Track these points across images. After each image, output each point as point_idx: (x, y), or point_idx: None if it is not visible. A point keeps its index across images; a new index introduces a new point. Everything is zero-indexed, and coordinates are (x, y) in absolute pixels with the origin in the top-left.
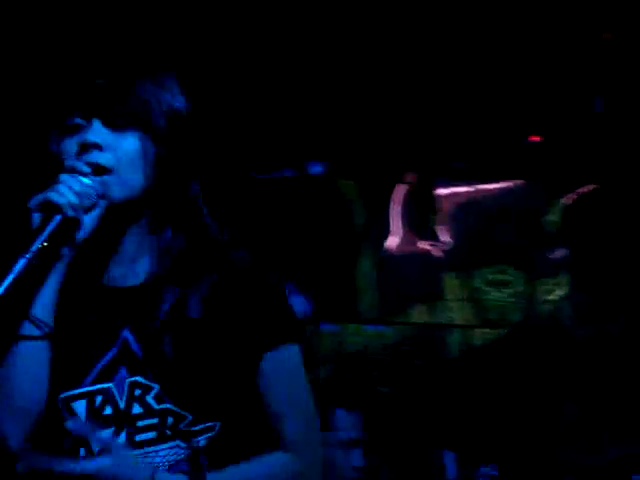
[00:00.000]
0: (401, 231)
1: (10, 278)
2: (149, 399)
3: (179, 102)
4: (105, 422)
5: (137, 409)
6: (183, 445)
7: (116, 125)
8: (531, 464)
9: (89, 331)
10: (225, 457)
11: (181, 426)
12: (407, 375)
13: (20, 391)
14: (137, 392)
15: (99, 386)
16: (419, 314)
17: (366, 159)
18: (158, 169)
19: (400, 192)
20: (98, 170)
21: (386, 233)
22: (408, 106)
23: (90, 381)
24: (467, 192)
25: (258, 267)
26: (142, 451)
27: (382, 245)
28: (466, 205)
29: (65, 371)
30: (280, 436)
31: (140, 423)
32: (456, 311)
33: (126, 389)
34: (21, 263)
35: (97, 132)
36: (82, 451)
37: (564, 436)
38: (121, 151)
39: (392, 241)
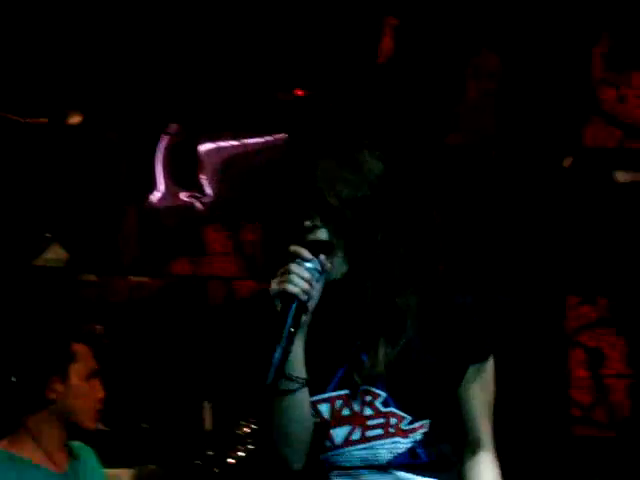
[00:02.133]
0: (165, 184)
1: (274, 368)
2: (377, 404)
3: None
4: (343, 421)
5: (368, 411)
6: (402, 440)
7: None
8: None
9: (330, 347)
10: (434, 447)
11: (402, 425)
12: (171, 326)
13: (295, 427)
14: (368, 398)
15: (338, 392)
16: (183, 266)
17: (128, 110)
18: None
19: (164, 144)
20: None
21: (150, 186)
22: (174, 61)
23: (332, 388)
24: (232, 146)
25: (460, 288)
26: (370, 444)
27: (146, 198)
28: (231, 159)
29: (312, 381)
30: (476, 437)
31: (370, 422)
32: (221, 263)
33: (359, 395)
34: (279, 352)
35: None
36: (327, 442)
37: None
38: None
39: (156, 193)
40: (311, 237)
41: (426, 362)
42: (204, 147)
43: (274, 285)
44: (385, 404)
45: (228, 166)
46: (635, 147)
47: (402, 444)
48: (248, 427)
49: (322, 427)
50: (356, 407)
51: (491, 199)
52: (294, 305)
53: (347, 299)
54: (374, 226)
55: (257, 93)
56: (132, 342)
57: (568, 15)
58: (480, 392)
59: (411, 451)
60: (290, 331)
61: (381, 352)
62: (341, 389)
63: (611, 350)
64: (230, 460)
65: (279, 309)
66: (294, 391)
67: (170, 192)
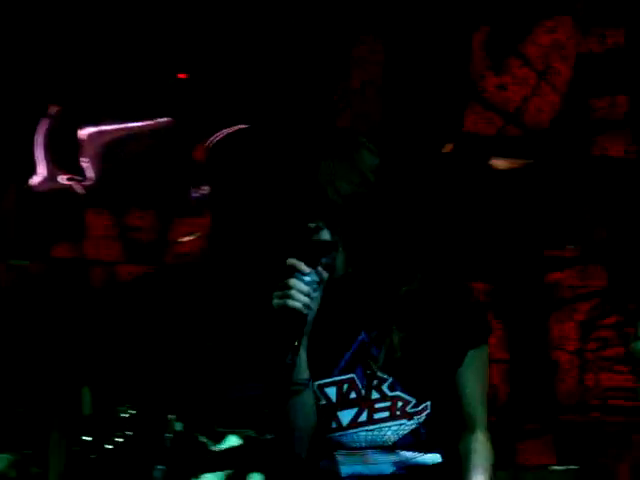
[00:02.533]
0: (45, 167)
1: (283, 379)
2: (384, 387)
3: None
4: (350, 404)
5: (375, 395)
6: (408, 422)
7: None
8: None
9: (336, 334)
10: (435, 429)
11: (407, 408)
12: (51, 309)
13: (299, 422)
14: (374, 382)
15: (345, 376)
16: (63, 250)
17: (7, 91)
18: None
19: (44, 126)
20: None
21: (30, 169)
22: (54, 41)
23: (338, 372)
24: (114, 129)
25: (457, 277)
26: (377, 426)
27: (26, 181)
28: (113, 142)
29: (319, 365)
30: (472, 417)
31: (377, 405)
32: (102, 248)
33: (365, 379)
34: (286, 364)
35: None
36: (333, 424)
37: (211, 371)
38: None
39: (37, 176)
40: (315, 238)
41: (429, 346)
42: (86, 130)
43: (276, 300)
44: (391, 388)
45: (110, 150)
46: (514, 134)
47: (407, 426)
48: (126, 413)
49: (329, 409)
50: (363, 390)
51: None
52: (296, 318)
53: (352, 289)
54: (374, 221)
55: (141, 76)
56: (11, 326)
57: (449, 2)
58: (477, 376)
59: (414, 431)
60: (294, 345)
61: (396, 339)
62: (347, 373)
63: None
64: (108, 446)
65: (281, 323)
66: (299, 392)
67: (50, 175)
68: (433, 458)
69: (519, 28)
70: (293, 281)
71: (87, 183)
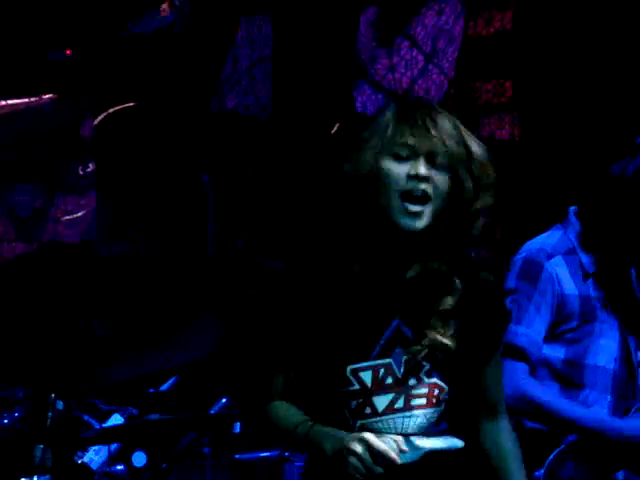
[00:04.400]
0: None
1: None
2: (421, 374)
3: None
4: (387, 389)
5: (412, 381)
6: (438, 410)
7: (436, 164)
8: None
9: (370, 318)
10: (456, 416)
11: (442, 396)
12: None
13: None
14: (412, 368)
15: (381, 361)
16: None
17: None
18: (450, 201)
19: None
20: (425, 198)
21: None
22: None
23: (374, 356)
24: None
25: (496, 279)
26: (413, 413)
27: None
28: None
29: (353, 347)
30: (498, 404)
31: (414, 392)
32: None
33: (403, 364)
34: None
35: (422, 166)
36: (367, 409)
37: (101, 351)
38: (437, 187)
39: None
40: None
41: (465, 337)
42: None
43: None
44: (428, 375)
45: None
46: None
47: (437, 413)
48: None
49: (363, 394)
50: (400, 376)
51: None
52: None
53: (385, 275)
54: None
55: (24, 52)
56: None
57: None
58: (498, 368)
59: (439, 419)
60: None
61: (450, 329)
62: (383, 358)
63: None
64: None
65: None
66: None
67: None
68: (456, 443)
69: (406, 9)
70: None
71: None
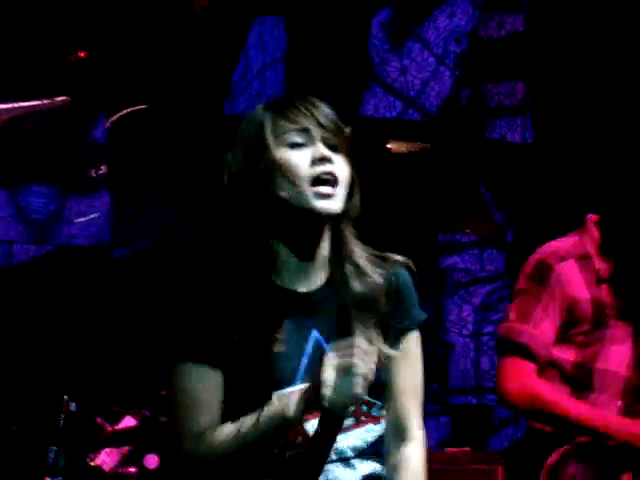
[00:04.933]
0: None
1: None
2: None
3: None
4: (313, 414)
5: None
6: (375, 428)
7: (333, 147)
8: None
9: (291, 341)
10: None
11: (372, 412)
12: None
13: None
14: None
15: (305, 384)
16: None
17: None
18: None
19: None
20: (335, 180)
21: None
22: None
23: (300, 380)
24: (11, 108)
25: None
26: (342, 435)
27: None
28: (9, 121)
29: (281, 376)
30: (401, 414)
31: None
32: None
33: None
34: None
35: (324, 149)
36: (299, 438)
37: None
38: (341, 168)
39: None
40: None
41: (380, 335)
42: None
43: (335, 400)
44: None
45: (6, 128)
46: (413, 118)
47: (375, 431)
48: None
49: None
50: None
51: None
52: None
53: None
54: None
55: (37, 54)
56: None
57: None
58: (409, 366)
59: (380, 438)
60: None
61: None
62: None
63: None
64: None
65: (328, 421)
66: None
67: None
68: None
69: (418, 12)
70: (359, 388)
71: None
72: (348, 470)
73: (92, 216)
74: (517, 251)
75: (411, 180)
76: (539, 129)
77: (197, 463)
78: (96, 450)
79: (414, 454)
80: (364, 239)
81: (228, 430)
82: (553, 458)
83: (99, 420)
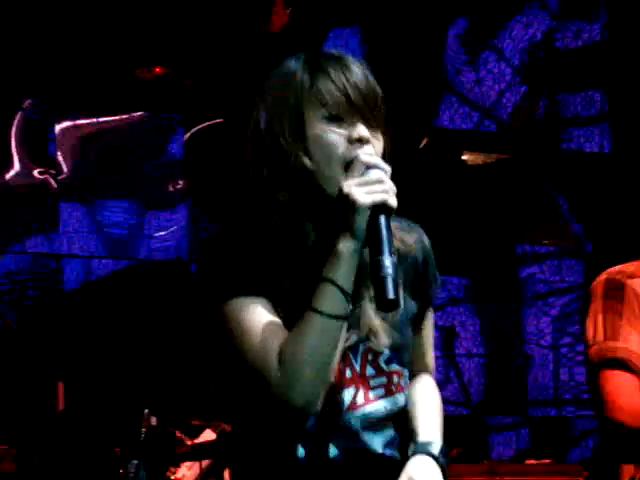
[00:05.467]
0: (20, 161)
1: (392, 280)
2: (381, 362)
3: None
4: (347, 383)
5: (370, 371)
6: (400, 397)
7: (371, 123)
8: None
9: None
10: None
11: (402, 382)
12: (22, 306)
13: (333, 358)
14: (370, 357)
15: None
16: (37, 244)
17: None
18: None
19: (19, 121)
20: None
21: (6, 163)
22: (27, 33)
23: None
24: (90, 123)
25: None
26: (373, 405)
27: (1, 175)
28: (89, 137)
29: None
30: (423, 364)
31: (372, 383)
32: (76, 241)
33: (360, 354)
34: (389, 262)
35: (362, 129)
36: (331, 407)
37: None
38: (377, 148)
39: (11, 171)
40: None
41: (409, 309)
42: (61, 124)
43: (367, 197)
44: (388, 362)
45: (85, 144)
46: (489, 129)
47: (400, 401)
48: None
49: (328, 391)
50: (358, 367)
51: None
52: (386, 215)
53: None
54: None
55: (115, 70)
56: None
57: None
58: (430, 325)
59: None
60: (391, 241)
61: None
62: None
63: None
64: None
65: (371, 221)
66: (349, 313)
67: (25, 170)
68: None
69: (494, 22)
70: (384, 175)
71: (62, 177)
72: (374, 436)
73: (170, 230)
74: (596, 262)
75: (488, 191)
76: (617, 139)
77: (292, 381)
78: (176, 464)
79: (431, 386)
80: (442, 251)
81: (292, 332)
82: (632, 471)
83: (179, 434)
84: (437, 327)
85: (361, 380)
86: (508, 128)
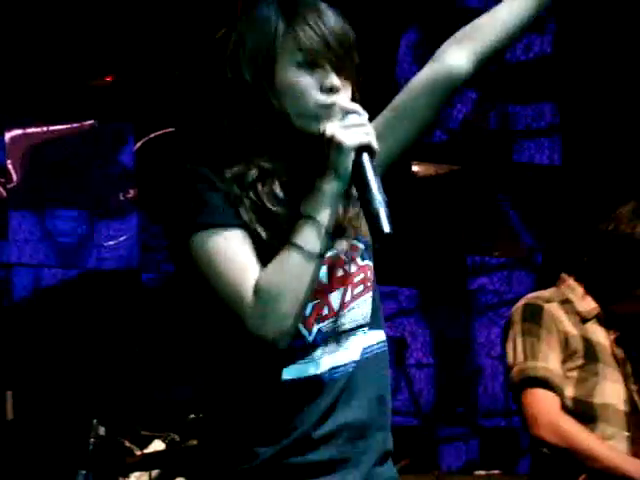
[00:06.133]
0: None
1: (387, 215)
2: (358, 258)
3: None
4: (338, 284)
5: (353, 268)
6: (370, 295)
7: (343, 75)
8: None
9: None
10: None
11: (370, 275)
12: None
13: (310, 291)
14: (353, 254)
15: (330, 252)
16: None
17: None
18: None
19: None
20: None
21: None
22: None
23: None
24: (39, 132)
25: None
26: (357, 302)
27: None
28: (39, 145)
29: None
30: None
31: (355, 279)
32: (26, 250)
33: (349, 252)
34: (381, 198)
35: (334, 78)
36: (325, 310)
37: (139, 376)
38: (347, 96)
39: None
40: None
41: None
42: (11, 132)
43: (353, 139)
44: (362, 257)
45: (35, 152)
46: (439, 140)
47: (370, 298)
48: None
49: (319, 294)
50: (346, 266)
51: None
52: (369, 156)
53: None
54: None
55: (66, 79)
56: None
57: (377, 4)
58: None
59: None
60: (379, 179)
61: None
62: (331, 248)
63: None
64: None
65: (356, 161)
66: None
67: None
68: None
69: (446, 32)
70: (364, 118)
71: (11, 185)
72: (366, 338)
73: (120, 239)
74: (546, 273)
75: (438, 202)
76: (567, 151)
77: (267, 312)
78: (126, 474)
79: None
80: (392, 262)
81: (270, 265)
82: None
83: (128, 444)
84: (387, 338)
85: (348, 278)
86: (459, 139)
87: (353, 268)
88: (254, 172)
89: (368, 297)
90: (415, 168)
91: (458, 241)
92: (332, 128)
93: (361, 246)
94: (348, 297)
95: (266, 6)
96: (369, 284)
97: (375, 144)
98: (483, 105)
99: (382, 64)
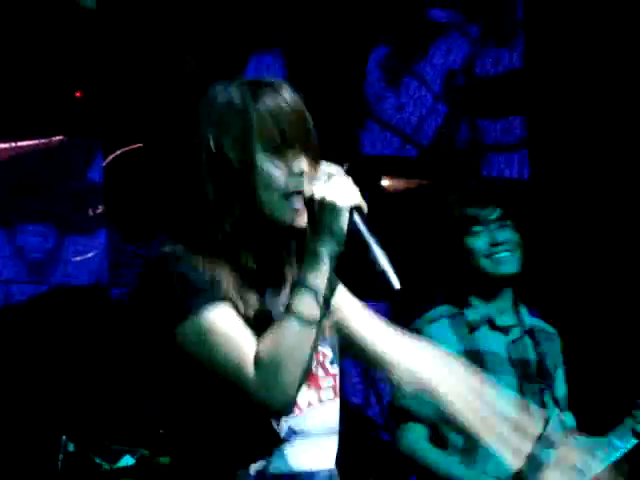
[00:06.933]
0: None
1: (391, 272)
2: (327, 364)
3: None
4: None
5: (320, 372)
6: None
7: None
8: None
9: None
10: None
11: (337, 384)
12: None
13: (309, 359)
14: (320, 358)
15: None
16: None
17: None
18: None
19: None
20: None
21: None
22: None
23: None
24: (7, 148)
25: None
26: (325, 407)
27: None
28: (7, 161)
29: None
30: None
31: (323, 384)
32: None
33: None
34: (382, 256)
35: (303, 162)
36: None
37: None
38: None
39: None
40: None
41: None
42: None
43: (343, 200)
44: (332, 363)
45: (2, 167)
46: (410, 155)
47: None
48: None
49: None
50: (314, 368)
51: None
52: (360, 216)
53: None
54: None
55: (34, 94)
56: None
57: (346, 20)
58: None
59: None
60: (375, 236)
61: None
62: None
63: None
64: None
65: (353, 221)
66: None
67: None
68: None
69: (415, 48)
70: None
71: None
72: (333, 444)
73: (89, 255)
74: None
75: (408, 217)
76: (536, 165)
77: (272, 383)
78: None
79: None
80: (359, 277)
81: (268, 335)
82: None
83: (97, 459)
84: None
85: (314, 381)
86: (429, 154)
87: (320, 372)
88: (231, 250)
89: (337, 404)
90: (385, 182)
91: (428, 255)
92: (321, 190)
93: (329, 352)
94: (314, 399)
95: (232, 89)
96: (338, 391)
97: (364, 204)
98: (453, 119)
99: (351, 79)
